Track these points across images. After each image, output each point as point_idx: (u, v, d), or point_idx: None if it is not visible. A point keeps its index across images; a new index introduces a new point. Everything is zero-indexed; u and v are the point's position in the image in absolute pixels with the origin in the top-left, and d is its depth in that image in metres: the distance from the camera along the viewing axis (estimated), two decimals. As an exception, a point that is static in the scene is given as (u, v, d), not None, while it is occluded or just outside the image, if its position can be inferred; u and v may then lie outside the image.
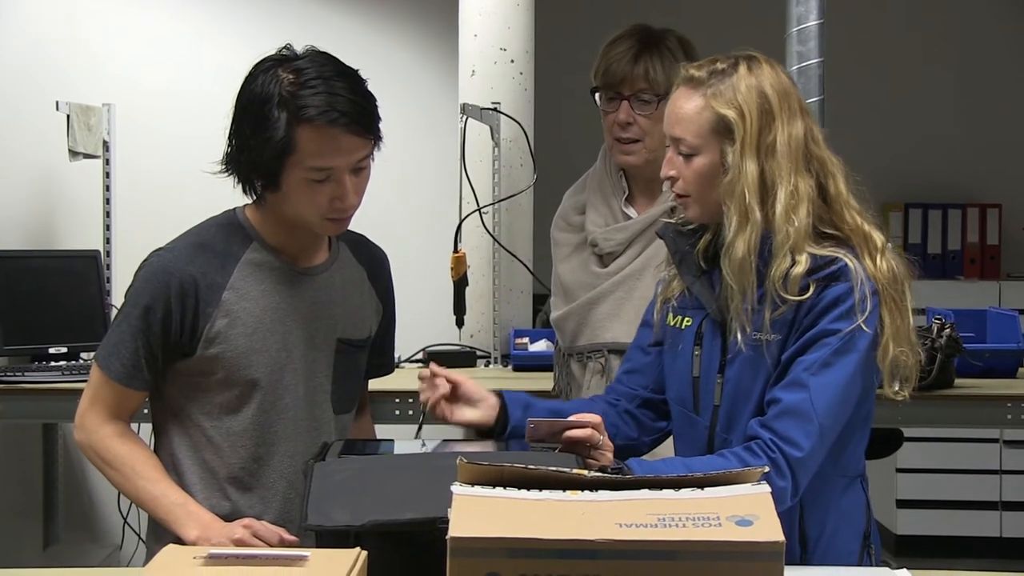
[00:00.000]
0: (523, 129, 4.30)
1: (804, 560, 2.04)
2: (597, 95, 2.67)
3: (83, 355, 4.28)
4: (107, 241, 4.60)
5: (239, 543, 1.95)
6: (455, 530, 1.33)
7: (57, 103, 4.44)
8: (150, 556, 2.21)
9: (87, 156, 4.54)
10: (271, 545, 1.95)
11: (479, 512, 1.37)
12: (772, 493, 1.44)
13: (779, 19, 4.02)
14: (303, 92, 2.06)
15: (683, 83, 2.08)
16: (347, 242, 2.35)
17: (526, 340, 4.22)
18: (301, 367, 2.20)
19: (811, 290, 1.98)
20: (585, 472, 1.47)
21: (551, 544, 1.32)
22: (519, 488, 1.42)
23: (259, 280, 2.20)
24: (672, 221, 2.20)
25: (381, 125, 2.14)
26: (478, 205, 4.17)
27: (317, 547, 1.62)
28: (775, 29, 4.10)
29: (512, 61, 4.38)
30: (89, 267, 4.37)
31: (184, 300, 2.14)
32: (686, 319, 2.15)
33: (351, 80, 2.11)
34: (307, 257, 2.25)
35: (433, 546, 1.37)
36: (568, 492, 1.41)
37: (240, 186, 2.19)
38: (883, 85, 6.08)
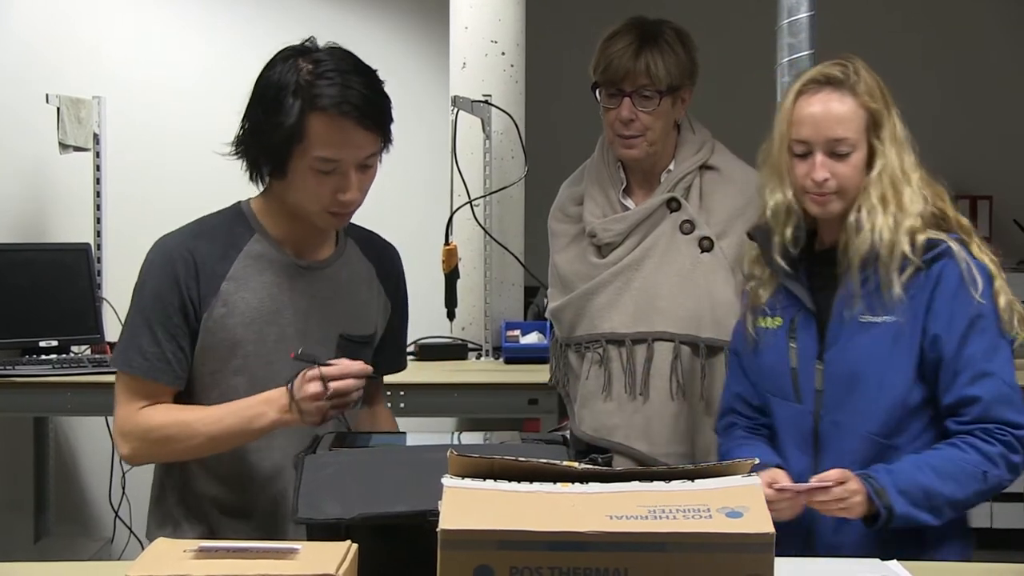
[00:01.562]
0: (514, 121, 4.30)
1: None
2: (597, 91, 2.67)
3: (74, 348, 4.28)
4: (98, 234, 4.59)
5: (317, 397, 2.02)
6: (445, 522, 1.33)
7: (47, 96, 4.43)
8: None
9: (77, 149, 4.53)
10: (350, 376, 2.03)
11: (469, 505, 1.36)
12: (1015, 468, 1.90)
13: (770, 11, 4.02)
14: (319, 82, 2.07)
15: (824, 86, 2.23)
16: (356, 238, 2.35)
17: (517, 332, 4.22)
18: (300, 364, 2.17)
19: (925, 272, 2.17)
20: (575, 464, 1.47)
21: (541, 536, 1.32)
22: (510, 480, 1.42)
23: (259, 271, 2.19)
24: (761, 225, 2.35)
25: (392, 127, 2.16)
26: (469, 197, 4.17)
27: (308, 540, 1.62)
28: (766, 21, 4.10)
29: (503, 53, 4.38)
30: (80, 260, 4.36)
31: (188, 281, 2.14)
32: (776, 319, 2.32)
33: (368, 77, 2.12)
34: (311, 251, 2.25)
35: (424, 539, 1.37)
36: (559, 484, 1.41)
37: (247, 173, 2.20)
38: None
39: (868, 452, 2.20)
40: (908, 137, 2.26)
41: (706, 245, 2.67)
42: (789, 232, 2.28)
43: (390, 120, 2.15)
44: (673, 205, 2.69)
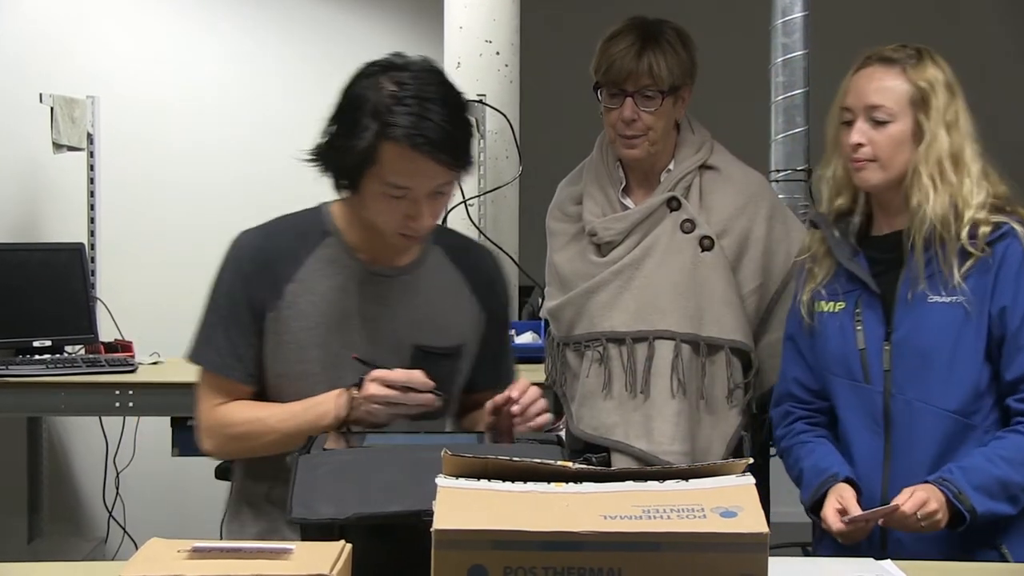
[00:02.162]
0: (508, 121, 4.30)
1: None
2: (599, 91, 2.67)
3: (67, 348, 4.27)
4: (91, 234, 4.59)
5: (376, 400, 2.02)
6: (439, 522, 1.33)
7: (41, 95, 4.43)
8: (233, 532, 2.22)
9: (71, 149, 4.53)
10: (408, 386, 2.01)
11: (464, 504, 1.36)
12: None
13: (764, 10, 4.03)
14: (396, 108, 2.00)
15: (876, 62, 2.31)
16: (446, 246, 2.28)
17: (512, 332, 4.21)
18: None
19: (990, 254, 2.23)
20: (569, 464, 1.47)
21: (536, 536, 1.32)
22: (504, 480, 1.42)
23: (328, 276, 2.16)
24: (822, 211, 2.41)
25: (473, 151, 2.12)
26: (463, 197, 4.16)
27: (302, 540, 1.62)
28: (760, 20, 4.11)
29: (498, 53, 4.38)
30: (73, 260, 4.35)
31: (256, 279, 2.14)
32: (838, 303, 2.35)
33: (448, 106, 2.04)
34: (387, 258, 2.19)
35: (418, 538, 1.37)
36: (553, 484, 1.41)
37: (326, 180, 2.16)
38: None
39: (946, 430, 2.24)
40: (972, 131, 2.31)
41: (707, 244, 2.67)
42: (844, 202, 2.36)
43: (467, 152, 2.08)
44: (673, 204, 2.69)
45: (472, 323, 2.28)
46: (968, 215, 2.24)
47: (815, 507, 2.30)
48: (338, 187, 2.13)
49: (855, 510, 2.20)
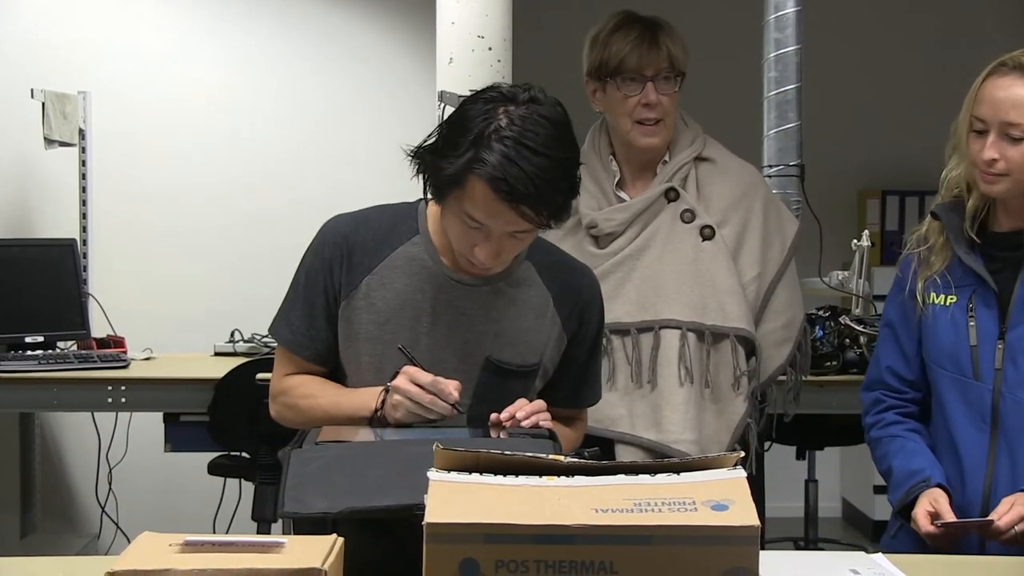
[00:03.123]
0: (501, 117, 4.29)
1: None
2: (607, 84, 2.69)
3: (60, 344, 4.27)
4: (83, 230, 4.58)
5: (398, 388, 2.01)
6: (431, 516, 1.33)
7: (32, 91, 4.42)
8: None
9: (63, 144, 4.52)
10: (436, 392, 2.00)
11: (455, 498, 1.36)
12: None
13: (757, 6, 4.03)
14: (495, 145, 1.93)
15: (1012, 71, 2.26)
16: (537, 261, 2.20)
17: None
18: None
19: None
20: (561, 457, 1.48)
21: (527, 530, 1.32)
22: (495, 474, 1.42)
23: (407, 274, 2.14)
24: (942, 204, 2.38)
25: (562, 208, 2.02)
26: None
27: (295, 533, 1.62)
28: (753, 16, 4.11)
29: (490, 48, 4.37)
30: (65, 256, 4.35)
31: (336, 266, 2.14)
32: (950, 297, 2.34)
33: (548, 158, 1.95)
34: (472, 266, 2.12)
35: (410, 532, 1.37)
36: (544, 478, 1.41)
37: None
38: (860, 72, 6.10)
39: None
40: None
41: (707, 234, 2.69)
42: (966, 198, 2.33)
43: (552, 208, 1.98)
44: (671, 195, 2.71)
45: (552, 344, 2.21)
46: None
47: (903, 510, 2.30)
48: (426, 193, 2.09)
49: (949, 516, 2.19)
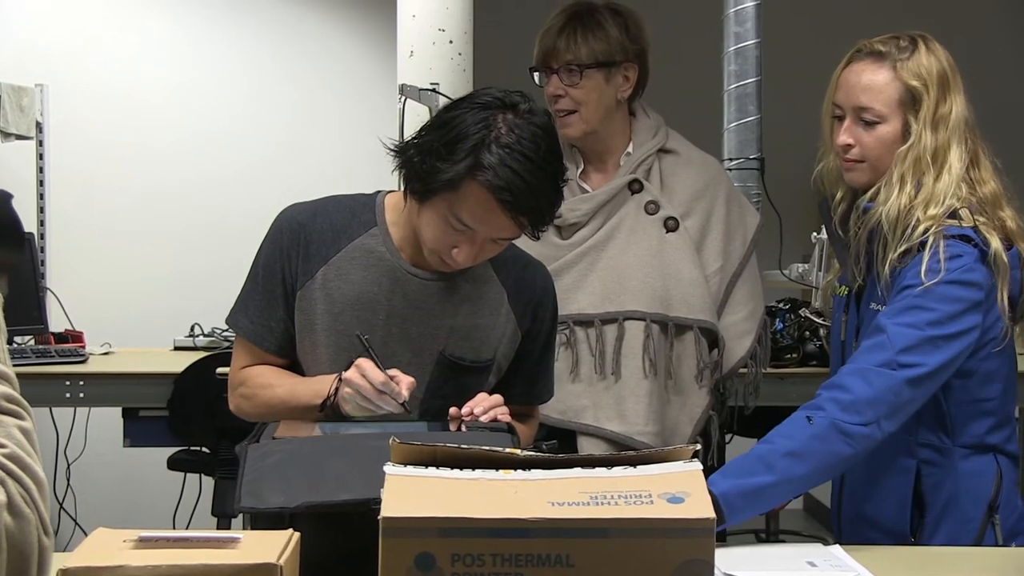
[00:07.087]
0: (462, 110, 4.28)
1: (920, 524, 2.21)
2: (536, 75, 2.69)
3: (17, 339, 4.23)
4: (41, 224, 4.55)
5: (349, 381, 2.00)
6: (387, 510, 1.32)
7: (-12, 83, 4.37)
8: None
9: (20, 137, 4.49)
10: (384, 389, 1.98)
11: (411, 492, 1.36)
12: None
13: (717, 0, 4.05)
14: (498, 153, 1.96)
15: (865, 56, 2.25)
16: (493, 259, 2.18)
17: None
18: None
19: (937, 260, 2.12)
20: (518, 451, 1.47)
21: (483, 523, 1.31)
22: (452, 468, 1.41)
23: (364, 266, 2.14)
24: (828, 197, 2.37)
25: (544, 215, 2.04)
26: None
27: (252, 529, 1.61)
28: (712, 10, 4.13)
29: (451, 42, 4.36)
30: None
31: (292, 255, 2.13)
32: (843, 287, 2.35)
33: (544, 172, 1.99)
34: (428, 261, 2.12)
35: (367, 527, 1.37)
36: (501, 471, 1.41)
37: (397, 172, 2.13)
38: (820, 66, 6.11)
39: None
40: (965, 128, 2.21)
41: (671, 225, 2.69)
42: (839, 194, 2.32)
43: (544, 219, 2.03)
44: (635, 187, 2.71)
45: (506, 339, 2.22)
46: (929, 212, 2.14)
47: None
48: (407, 189, 2.08)
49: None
